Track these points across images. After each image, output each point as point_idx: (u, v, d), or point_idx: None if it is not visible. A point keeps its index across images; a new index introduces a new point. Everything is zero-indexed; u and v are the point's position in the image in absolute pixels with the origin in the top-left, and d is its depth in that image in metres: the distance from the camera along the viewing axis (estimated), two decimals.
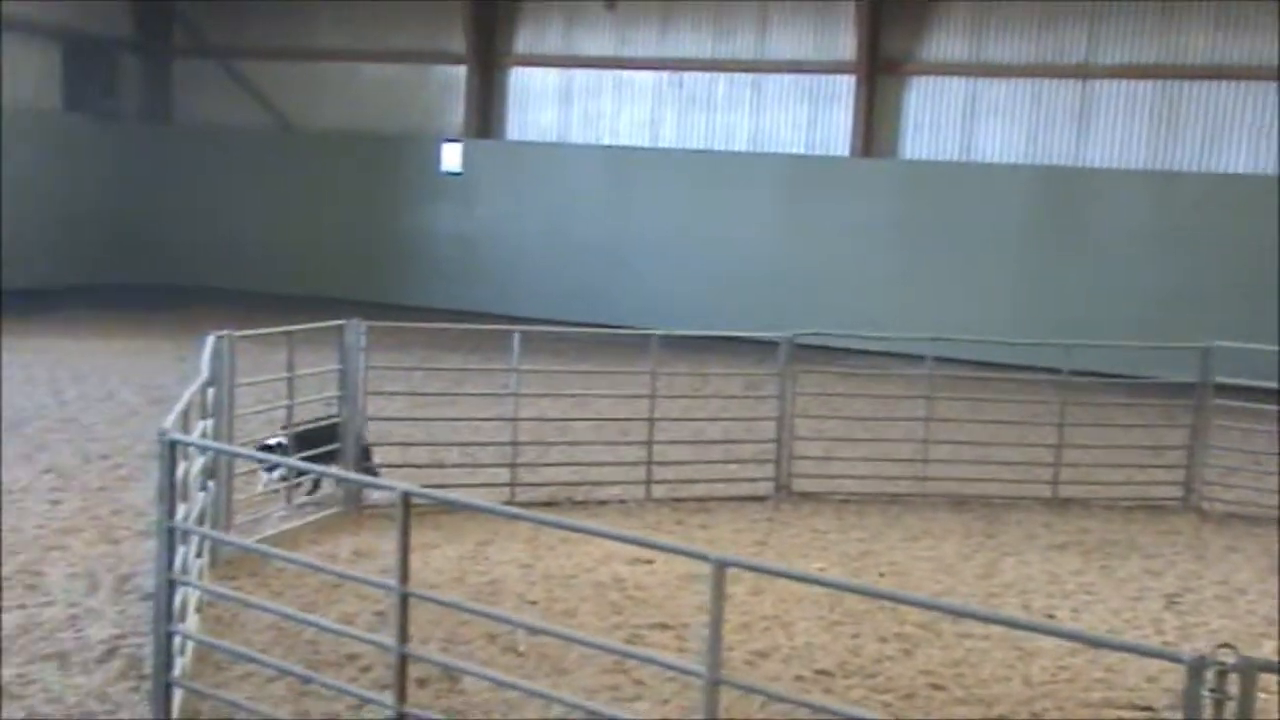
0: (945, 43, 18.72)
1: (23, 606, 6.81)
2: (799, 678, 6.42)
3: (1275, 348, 11.77)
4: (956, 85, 18.76)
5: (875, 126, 19.05)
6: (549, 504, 9.69)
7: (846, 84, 19.15)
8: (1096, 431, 11.58)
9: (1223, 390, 10.77)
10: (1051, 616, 7.71)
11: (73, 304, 20.15)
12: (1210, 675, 2.89)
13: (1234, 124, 17.29)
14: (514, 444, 9.96)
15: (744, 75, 19.87)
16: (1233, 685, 2.84)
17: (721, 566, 3.53)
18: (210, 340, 7.51)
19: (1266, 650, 7.24)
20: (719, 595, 3.60)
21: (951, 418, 11.47)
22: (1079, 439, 11.12)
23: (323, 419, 9.20)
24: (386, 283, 20.82)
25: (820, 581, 3.97)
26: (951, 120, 18.84)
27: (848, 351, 15.77)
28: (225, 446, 6.39)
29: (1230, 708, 2.84)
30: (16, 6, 20.08)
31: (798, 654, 6.72)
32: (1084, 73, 17.96)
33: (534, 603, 7.40)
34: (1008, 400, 12.89)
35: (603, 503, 9.88)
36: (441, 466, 10.22)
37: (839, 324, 13.40)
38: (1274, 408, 10.69)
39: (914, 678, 6.50)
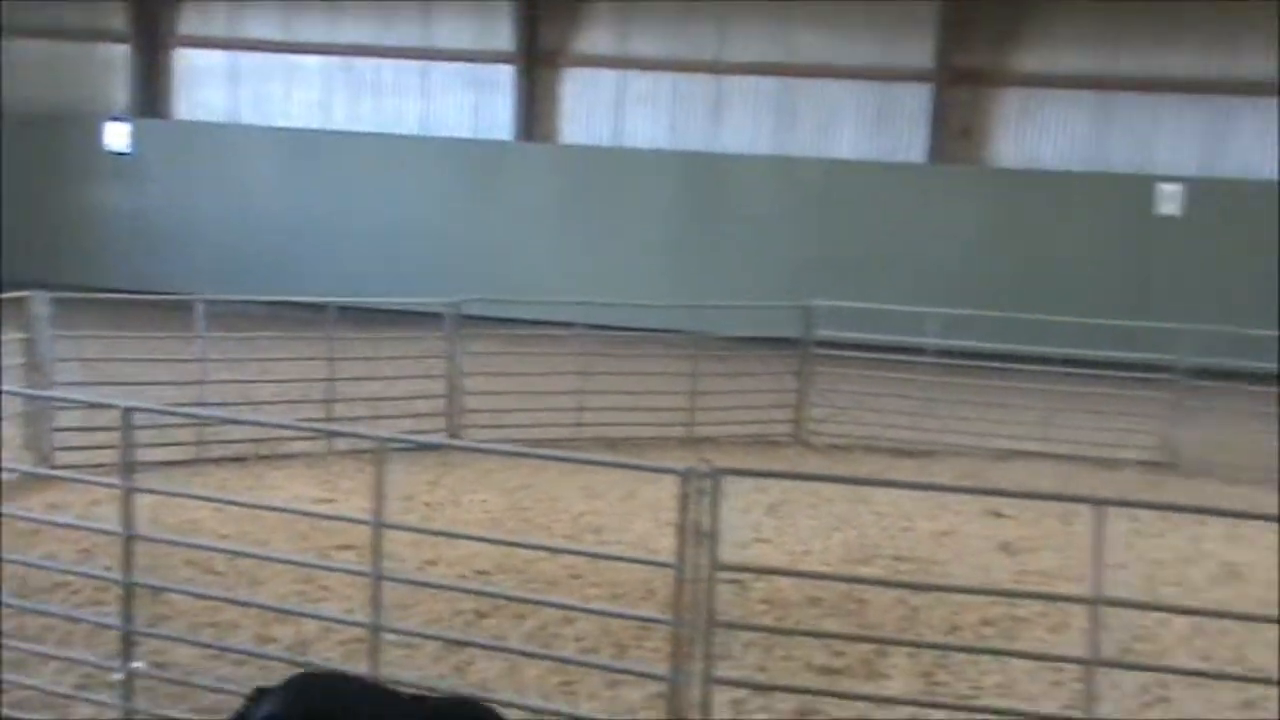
0: (595, 37, 20.38)
1: None
2: (461, 575, 7.74)
3: (865, 305, 13.95)
4: (606, 76, 20.45)
5: (535, 113, 20.50)
6: (238, 459, 10.57)
7: (507, 73, 20.50)
8: (726, 381, 13.38)
9: (824, 344, 12.96)
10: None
11: None
12: (694, 480, 4.38)
13: (843, 117, 19.81)
14: (201, 405, 10.73)
15: (411, 63, 20.86)
16: (708, 486, 4.35)
17: (385, 444, 4.73)
18: None
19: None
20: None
21: (604, 372, 13.01)
22: (709, 387, 12.94)
23: None
24: (58, 262, 20.32)
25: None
26: (603, 109, 20.53)
27: (511, 320, 17.11)
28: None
29: (705, 502, 4.34)
30: None
31: (461, 560, 8.02)
32: (715, 68, 20.03)
33: (227, 536, 8.35)
34: (652, 356, 14.61)
35: (291, 457, 10.83)
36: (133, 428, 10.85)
37: (503, 295, 14.79)
38: (866, 356, 12.87)
39: (557, 572, 7.93)
